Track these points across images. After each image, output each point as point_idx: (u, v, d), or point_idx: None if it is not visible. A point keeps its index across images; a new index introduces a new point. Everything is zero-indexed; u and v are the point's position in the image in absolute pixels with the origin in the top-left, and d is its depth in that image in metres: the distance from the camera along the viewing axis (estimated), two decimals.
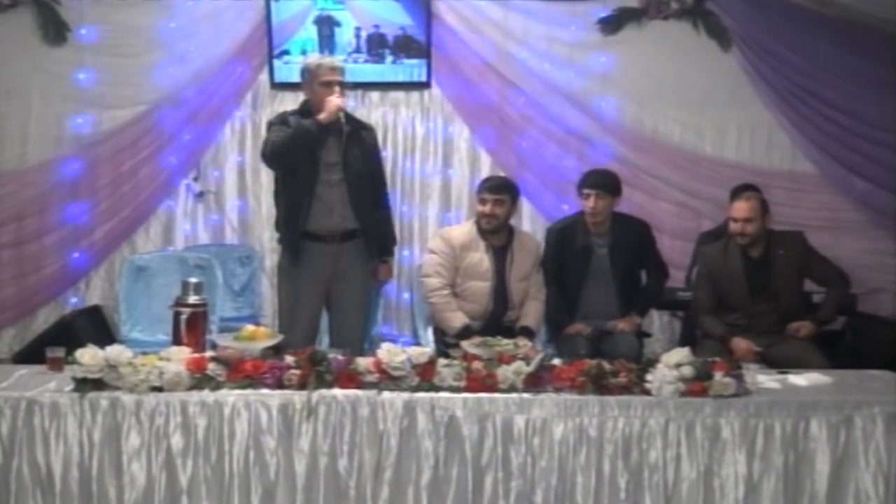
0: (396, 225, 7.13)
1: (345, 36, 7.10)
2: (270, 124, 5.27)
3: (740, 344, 5.32)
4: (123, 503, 3.79)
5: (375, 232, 5.37)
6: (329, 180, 5.13)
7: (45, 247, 7.09)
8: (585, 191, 5.61)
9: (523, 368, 3.91)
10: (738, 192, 5.94)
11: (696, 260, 6.31)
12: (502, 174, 6.95)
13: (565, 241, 5.67)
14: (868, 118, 6.91)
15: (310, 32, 7.08)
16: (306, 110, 5.22)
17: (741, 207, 5.48)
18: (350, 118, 5.33)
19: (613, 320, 5.63)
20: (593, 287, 5.63)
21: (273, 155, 5.09)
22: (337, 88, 5.16)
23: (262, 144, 5.27)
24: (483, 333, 5.12)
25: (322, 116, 5.05)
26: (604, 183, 5.64)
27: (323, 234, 5.15)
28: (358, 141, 5.24)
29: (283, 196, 5.22)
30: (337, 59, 5.47)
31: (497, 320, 5.51)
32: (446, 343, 5.34)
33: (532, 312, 5.58)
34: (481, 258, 5.55)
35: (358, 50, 7.11)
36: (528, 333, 5.39)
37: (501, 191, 5.59)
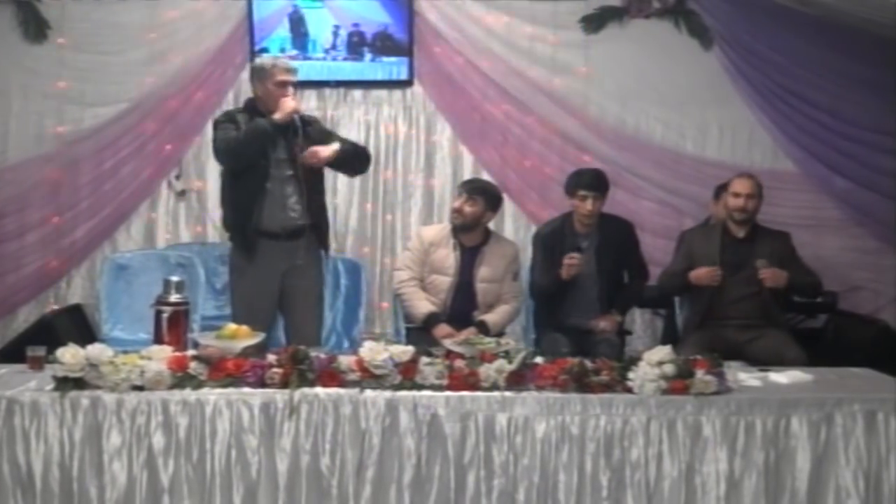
0: (378, 225, 7.19)
1: (322, 34, 7.09)
2: (216, 122, 5.26)
3: (700, 271, 5.45)
4: (104, 503, 3.78)
5: (326, 225, 5.40)
6: (280, 176, 5.13)
7: (26, 245, 7.07)
8: (582, 192, 5.62)
9: (505, 367, 3.91)
10: (721, 190, 6.00)
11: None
12: (484, 174, 7.00)
13: (554, 245, 5.69)
14: (849, 117, 6.94)
15: (287, 31, 7.09)
16: (253, 108, 5.22)
17: (744, 183, 5.59)
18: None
19: (594, 319, 5.65)
20: (579, 287, 5.65)
21: (228, 152, 5.10)
22: (291, 89, 5.19)
23: (212, 142, 5.24)
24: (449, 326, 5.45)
25: (277, 116, 5.07)
26: (599, 184, 5.70)
27: (276, 231, 5.14)
28: (304, 136, 5.22)
29: (233, 194, 5.20)
30: (290, 61, 5.46)
31: (463, 318, 5.60)
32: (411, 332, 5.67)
33: (497, 312, 5.67)
34: (447, 254, 5.69)
35: (335, 48, 7.11)
36: (483, 329, 5.47)
37: (476, 192, 5.72)
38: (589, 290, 5.66)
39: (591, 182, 5.66)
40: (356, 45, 7.11)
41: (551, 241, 5.72)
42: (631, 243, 5.86)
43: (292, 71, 5.23)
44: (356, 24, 7.09)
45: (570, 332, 5.61)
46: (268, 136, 5.05)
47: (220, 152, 5.17)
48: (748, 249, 5.56)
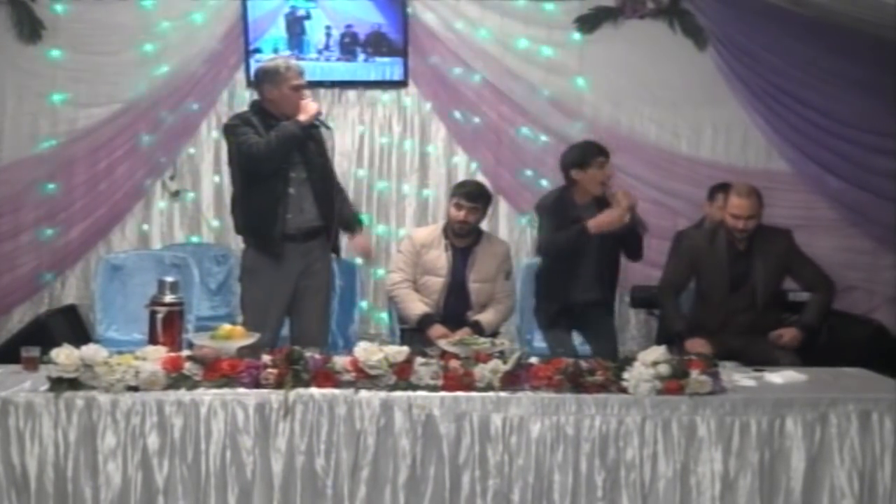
0: (372, 225, 7.18)
1: (316, 34, 7.09)
2: (232, 126, 5.21)
3: (696, 346, 5.27)
4: (99, 503, 3.78)
5: (338, 226, 5.39)
6: (296, 179, 5.14)
7: (21, 245, 7.06)
8: (601, 159, 5.46)
9: (500, 367, 3.91)
10: (715, 191, 5.99)
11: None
12: (479, 175, 7.02)
13: (557, 211, 5.54)
14: (842, 117, 6.95)
15: (281, 31, 7.08)
16: (262, 110, 5.20)
17: (744, 205, 5.37)
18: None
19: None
20: (579, 259, 5.50)
21: (258, 158, 5.04)
22: (306, 91, 5.22)
23: (236, 148, 5.16)
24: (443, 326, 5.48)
25: (303, 118, 5.07)
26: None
27: (292, 233, 5.15)
28: (313, 138, 5.24)
29: (252, 199, 5.17)
30: (296, 62, 5.46)
31: (457, 318, 5.63)
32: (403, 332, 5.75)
33: (491, 311, 5.70)
34: (439, 255, 5.73)
35: (328, 48, 7.10)
36: (477, 328, 5.49)
37: (478, 199, 5.74)
38: (589, 266, 5.53)
39: (604, 148, 5.55)
40: (348, 45, 7.10)
41: (556, 207, 5.56)
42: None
43: (302, 73, 5.26)
44: (349, 26, 7.08)
45: (569, 310, 5.55)
46: (297, 139, 5.07)
47: (248, 158, 5.09)
48: (747, 261, 5.47)
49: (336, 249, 5.41)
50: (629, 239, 5.57)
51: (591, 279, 5.59)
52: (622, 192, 5.40)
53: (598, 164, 5.49)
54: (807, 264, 5.59)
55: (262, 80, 5.24)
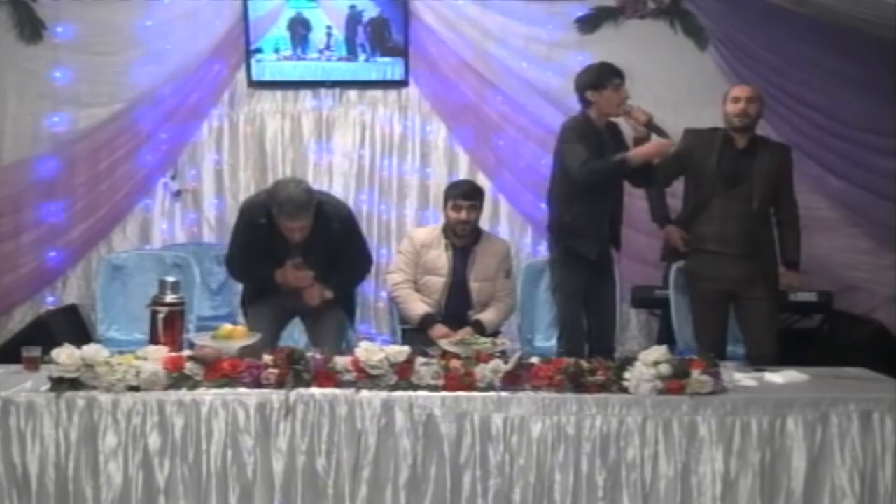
0: (374, 224, 7.17)
1: (317, 34, 7.08)
2: (242, 213, 5.24)
3: (673, 233, 5.49)
4: (100, 503, 3.78)
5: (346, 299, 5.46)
6: (294, 263, 5.08)
7: (22, 246, 7.05)
8: (618, 81, 5.39)
9: (501, 367, 3.92)
10: None
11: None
12: (479, 174, 7.03)
13: (589, 136, 5.33)
14: (843, 117, 6.93)
15: (282, 31, 7.06)
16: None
17: (744, 88, 5.54)
18: (320, 212, 4.98)
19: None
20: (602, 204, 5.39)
21: (232, 275, 5.52)
22: (297, 230, 4.92)
23: (231, 236, 5.36)
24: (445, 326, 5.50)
25: (281, 282, 5.08)
26: None
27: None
28: (323, 225, 5.01)
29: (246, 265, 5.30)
30: (300, 199, 4.85)
31: (458, 318, 5.65)
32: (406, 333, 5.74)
33: (492, 310, 5.73)
34: (440, 255, 5.75)
35: (329, 48, 7.09)
36: (479, 328, 5.51)
37: (473, 196, 5.79)
38: (608, 204, 5.42)
39: (619, 70, 5.45)
40: (353, 21, 7.05)
41: (584, 129, 5.36)
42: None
43: (297, 216, 4.84)
44: (352, 6, 7.04)
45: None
46: (265, 285, 5.15)
47: (228, 267, 5.44)
48: (748, 162, 5.41)
49: (351, 313, 5.52)
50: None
51: (605, 232, 5.42)
52: (639, 109, 5.28)
53: (613, 86, 5.37)
54: (791, 191, 5.60)
55: None
